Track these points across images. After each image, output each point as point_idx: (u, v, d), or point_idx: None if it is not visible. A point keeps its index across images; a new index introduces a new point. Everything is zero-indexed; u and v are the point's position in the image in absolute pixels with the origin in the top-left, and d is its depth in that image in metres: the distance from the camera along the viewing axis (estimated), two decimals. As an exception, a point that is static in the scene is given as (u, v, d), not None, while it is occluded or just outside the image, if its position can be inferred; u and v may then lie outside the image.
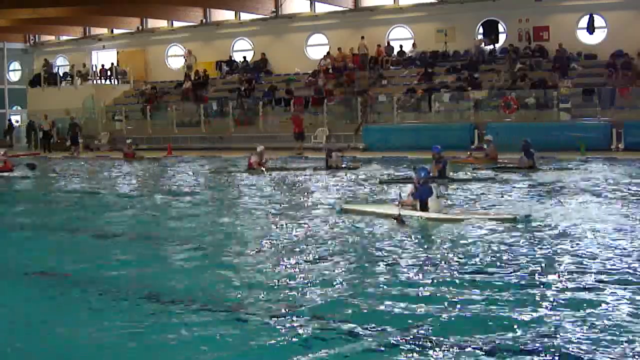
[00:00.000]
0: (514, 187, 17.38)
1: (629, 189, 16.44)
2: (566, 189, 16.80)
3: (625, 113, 29.12)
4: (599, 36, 34.01)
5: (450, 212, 12.98)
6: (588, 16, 33.77)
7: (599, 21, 33.83)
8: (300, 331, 6.87)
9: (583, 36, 34.31)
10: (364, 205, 14.43)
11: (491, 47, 35.75)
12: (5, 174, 25.01)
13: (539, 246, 10.34)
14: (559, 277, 8.58)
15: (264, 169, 22.92)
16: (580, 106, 30.43)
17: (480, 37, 36.04)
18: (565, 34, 33.99)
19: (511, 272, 8.87)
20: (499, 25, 35.83)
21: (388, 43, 38.53)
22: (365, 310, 7.51)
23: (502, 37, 35.95)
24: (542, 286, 8.23)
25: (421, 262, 9.56)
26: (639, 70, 30.85)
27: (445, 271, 9.03)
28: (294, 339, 6.66)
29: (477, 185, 17.96)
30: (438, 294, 8.00)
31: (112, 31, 47.87)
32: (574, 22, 34.39)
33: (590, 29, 33.78)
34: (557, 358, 6.07)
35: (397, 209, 12.46)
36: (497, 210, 13.63)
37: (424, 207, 12.60)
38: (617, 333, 6.57)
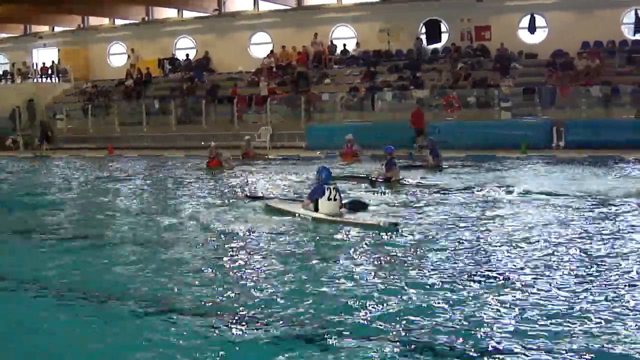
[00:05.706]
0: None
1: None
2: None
3: (565, 112, 29.39)
4: (539, 36, 34.45)
5: (345, 215, 12.70)
6: (529, 16, 34.15)
7: (539, 21, 34.28)
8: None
9: (524, 36, 34.68)
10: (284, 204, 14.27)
11: (432, 46, 35.94)
12: None
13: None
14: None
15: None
16: (521, 105, 30.64)
17: (422, 36, 36.19)
18: (506, 33, 34.29)
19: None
20: (442, 25, 35.99)
21: (331, 42, 38.46)
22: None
23: (444, 37, 36.11)
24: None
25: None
26: (579, 70, 31.19)
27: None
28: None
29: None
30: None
31: (53, 29, 47.05)
32: (515, 22, 34.74)
33: (531, 28, 34.19)
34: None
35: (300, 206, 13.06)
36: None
37: (316, 207, 12.65)
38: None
